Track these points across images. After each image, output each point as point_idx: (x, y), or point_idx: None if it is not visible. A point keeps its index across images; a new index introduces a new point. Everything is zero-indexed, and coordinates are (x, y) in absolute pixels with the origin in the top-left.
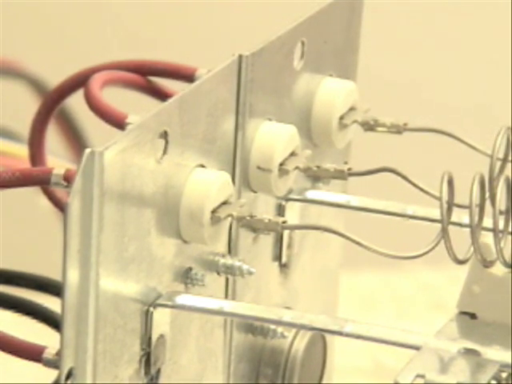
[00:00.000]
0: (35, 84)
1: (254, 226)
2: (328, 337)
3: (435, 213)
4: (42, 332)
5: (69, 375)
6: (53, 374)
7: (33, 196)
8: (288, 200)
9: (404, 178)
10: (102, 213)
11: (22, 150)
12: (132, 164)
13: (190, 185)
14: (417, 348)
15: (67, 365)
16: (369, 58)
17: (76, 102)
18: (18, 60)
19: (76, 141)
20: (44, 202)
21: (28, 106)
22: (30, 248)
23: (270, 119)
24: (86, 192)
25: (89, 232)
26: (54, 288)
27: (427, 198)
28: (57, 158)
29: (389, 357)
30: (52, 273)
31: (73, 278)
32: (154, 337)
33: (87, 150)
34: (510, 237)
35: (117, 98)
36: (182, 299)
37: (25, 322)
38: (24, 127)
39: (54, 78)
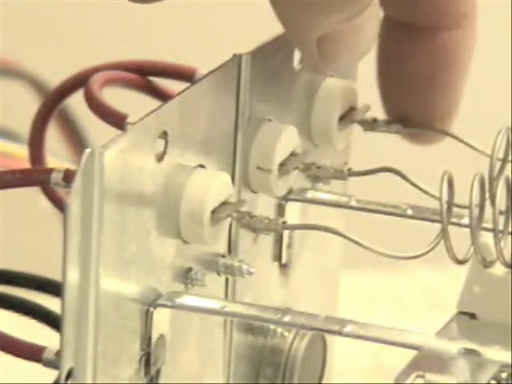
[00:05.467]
0: (35, 84)
1: (254, 226)
2: (328, 337)
3: (435, 213)
4: (42, 332)
5: (69, 375)
6: (53, 374)
7: (33, 196)
8: (288, 200)
9: (404, 177)
10: (102, 213)
11: (22, 151)
12: (132, 164)
13: (189, 185)
14: (417, 348)
15: (67, 365)
16: (369, 58)
17: (76, 102)
18: (18, 60)
19: (76, 141)
20: (44, 202)
21: (28, 106)
22: (30, 248)
23: (269, 119)
24: (85, 192)
25: (89, 232)
26: (53, 288)
27: (427, 198)
28: (57, 158)
29: (389, 357)
30: (52, 273)
31: (73, 278)
32: (154, 337)
33: (87, 150)
34: (509, 237)
35: (117, 98)
36: (182, 299)
37: (25, 322)
38: (24, 127)
39: (54, 78)
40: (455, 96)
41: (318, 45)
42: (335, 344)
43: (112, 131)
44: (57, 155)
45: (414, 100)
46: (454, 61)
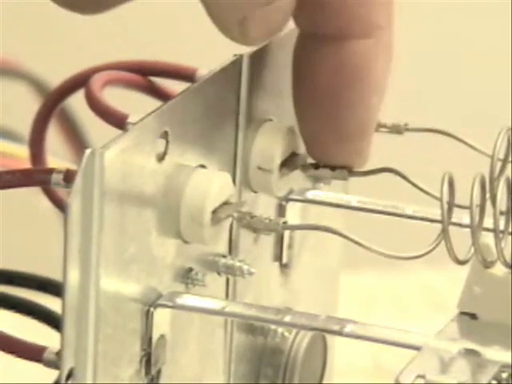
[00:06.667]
0: (35, 84)
1: (255, 227)
2: (328, 337)
3: (435, 213)
4: (42, 332)
5: (69, 375)
6: (53, 374)
7: (33, 196)
8: (288, 200)
9: (404, 178)
10: (103, 213)
11: (22, 151)
12: (132, 164)
13: (190, 185)
14: (417, 348)
15: (67, 365)
16: None
17: (76, 102)
18: (18, 60)
19: (76, 141)
20: (44, 202)
21: (28, 106)
22: (30, 248)
23: (270, 119)
24: (86, 192)
25: (89, 232)
26: (54, 288)
27: (427, 198)
28: (57, 158)
29: (389, 357)
30: (52, 273)
31: (73, 278)
32: (155, 337)
33: (88, 150)
34: (510, 237)
35: (117, 98)
36: (183, 299)
37: (25, 322)
38: (24, 127)
39: (55, 78)
40: (366, 114)
41: (240, 26)
42: (335, 344)
43: (112, 131)
44: (57, 155)
45: (323, 118)
46: (364, 75)
